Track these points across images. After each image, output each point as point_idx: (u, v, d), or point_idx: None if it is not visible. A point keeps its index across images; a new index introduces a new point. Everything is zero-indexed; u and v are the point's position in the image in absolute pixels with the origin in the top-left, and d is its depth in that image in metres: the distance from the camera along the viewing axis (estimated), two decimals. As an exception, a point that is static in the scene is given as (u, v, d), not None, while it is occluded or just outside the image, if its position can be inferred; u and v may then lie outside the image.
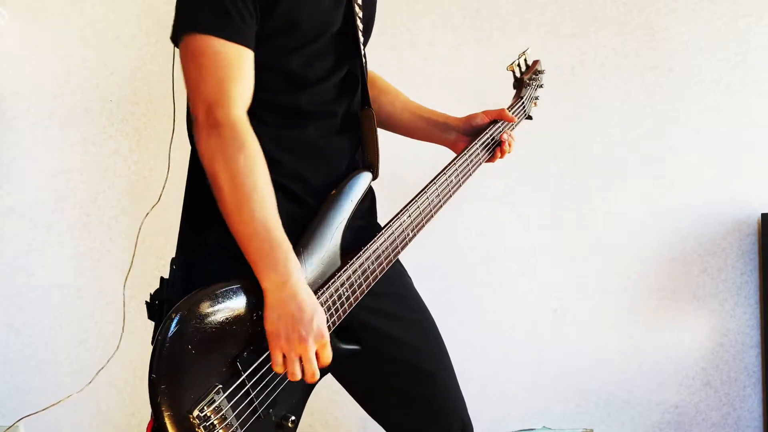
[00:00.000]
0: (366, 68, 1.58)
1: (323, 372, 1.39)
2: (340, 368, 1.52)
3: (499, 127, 1.78)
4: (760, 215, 2.66)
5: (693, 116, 2.72)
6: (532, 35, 2.75)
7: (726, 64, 2.71)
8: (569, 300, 2.75)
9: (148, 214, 1.77)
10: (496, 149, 1.77)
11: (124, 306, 2.11)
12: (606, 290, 2.74)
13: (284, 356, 1.33)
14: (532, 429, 2.56)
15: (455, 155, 1.71)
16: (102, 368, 2.09)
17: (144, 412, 2.71)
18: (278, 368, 1.34)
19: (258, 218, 1.32)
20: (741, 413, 2.72)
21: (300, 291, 1.33)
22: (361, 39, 1.55)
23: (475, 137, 1.74)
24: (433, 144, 1.84)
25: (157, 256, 2.63)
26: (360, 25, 1.54)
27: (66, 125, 2.75)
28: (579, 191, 2.75)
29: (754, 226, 2.70)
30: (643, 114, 2.74)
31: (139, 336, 2.54)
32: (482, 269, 2.75)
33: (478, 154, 1.73)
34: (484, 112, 1.78)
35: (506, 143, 1.78)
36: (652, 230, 2.73)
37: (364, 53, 1.57)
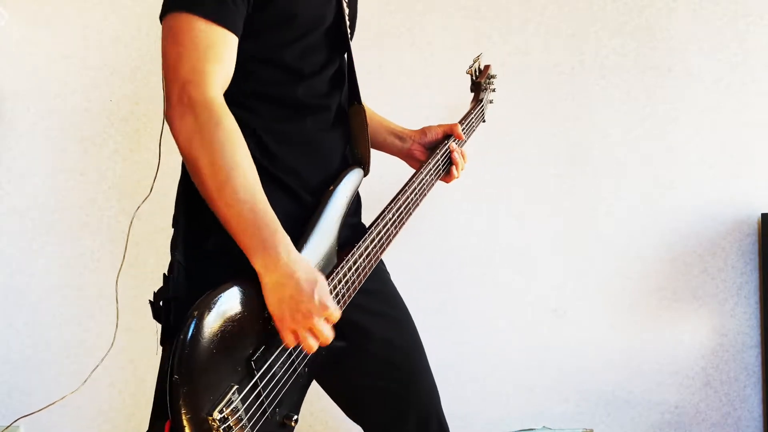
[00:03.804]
0: (353, 64, 1.58)
1: (319, 365, 1.38)
2: (329, 366, 1.51)
3: (455, 141, 1.82)
4: (760, 215, 2.66)
5: (693, 116, 2.72)
6: (532, 35, 2.75)
7: (726, 64, 2.71)
8: (569, 300, 2.75)
9: (139, 207, 1.77)
10: (450, 167, 1.81)
11: (117, 302, 2.11)
12: (606, 290, 2.74)
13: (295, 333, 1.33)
14: (532, 429, 2.56)
15: (429, 155, 1.76)
16: (96, 367, 2.09)
17: (144, 412, 2.71)
18: (291, 345, 1.33)
19: (241, 199, 1.28)
20: (741, 413, 2.72)
21: (295, 269, 1.30)
22: (348, 34, 1.56)
23: (430, 149, 1.80)
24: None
25: (153, 251, 2.63)
26: (347, 21, 1.54)
27: (66, 125, 2.75)
28: (579, 191, 2.75)
29: (754, 226, 2.70)
30: (643, 114, 2.74)
31: (139, 336, 2.55)
32: (482, 269, 2.75)
33: (439, 163, 1.76)
34: (438, 126, 1.82)
35: (457, 164, 1.80)
36: (652, 230, 2.73)
37: (351, 49, 1.58)
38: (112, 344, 2.02)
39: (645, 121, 2.74)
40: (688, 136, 2.73)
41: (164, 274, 1.37)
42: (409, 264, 2.65)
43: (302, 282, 1.31)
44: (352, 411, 1.65)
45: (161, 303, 1.34)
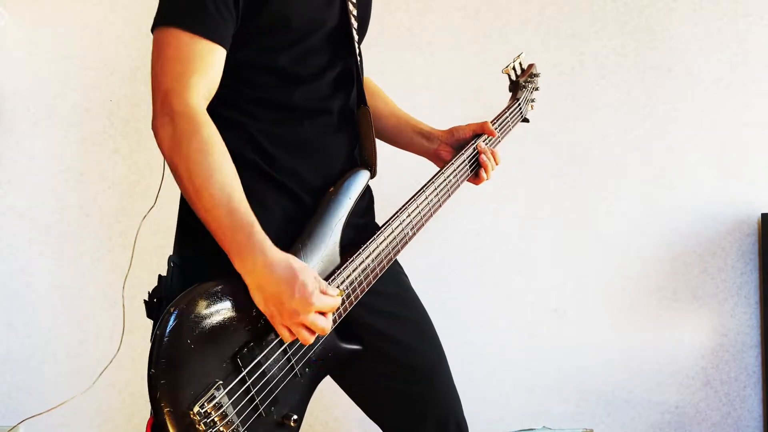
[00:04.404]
0: (362, 66, 1.58)
1: (324, 366, 1.38)
2: (340, 368, 1.51)
3: (485, 140, 1.77)
4: (760, 215, 2.66)
5: (693, 116, 2.72)
6: (532, 35, 2.75)
7: (726, 64, 2.72)
8: (569, 300, 2.75)
9: (145, 217, 1.76)
10: (479, 169, 1.76)
11: (123, 308, 2.10)
12: (606, 290, 2.74)
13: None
14: (532, 429, 2.56)
15: (455, 153, 1.71)
16: (104, 369, 2.09)
17: (145, 413, 2.71)
18: (288, 340, 1.33)
19: (218, 203, 1.29)
20: (741, 413, 2.72)
21: (272, 270, 1.30)
22: (356, 37, 1.54)
23: (457, 150, 1.74)
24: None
25: (157, 256, 2.63)
26: (354, 23, 1.53)
27: (66, 125, 2.75)
28: (579, 191, 2.75)
29: (754, 226, 2.70)
30: (643, 114, 2.74)
31: (140, 336, 2.54)
32: (482, 269, 2.75)
33: (465, 163, 1.72)
34: (467, 125, 1.77)
35: (485, 167, 1.75)
36: (652, 230, 2.73)
37: (360, 51, 1.57)
38: (118, 348, 2.02)
39: (645, 121, 2.74)
40: (688, 136, 2.73)
41: (159, 274, 1.38)
42: (409, 264, 2.65)
43: (281, 283, 1.30)
44: (370, 412, 1.65)
45: (154, 301, 1.34)
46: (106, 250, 2.73)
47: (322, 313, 1.34)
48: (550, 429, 2.54)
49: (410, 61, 2.75)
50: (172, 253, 1.45)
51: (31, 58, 2.75)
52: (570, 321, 2.74)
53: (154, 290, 1.36)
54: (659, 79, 2.73)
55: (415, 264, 2.70)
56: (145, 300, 1.36)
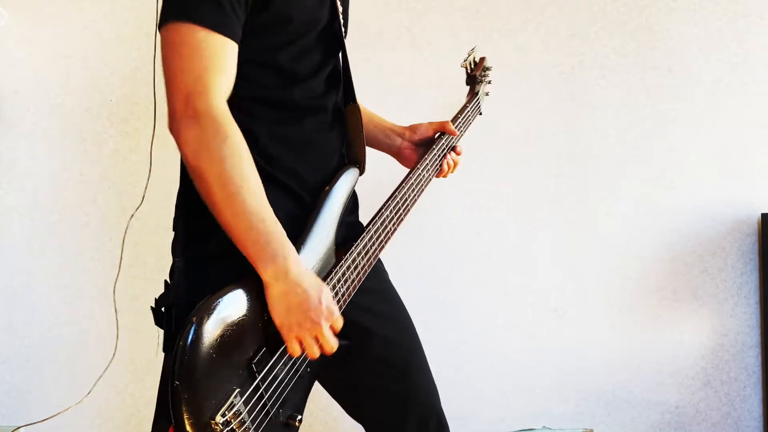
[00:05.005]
0: (348, 64, 1.58)
1: (322, 364, 1.39)
2: (325, 366, 1.51)
3: (449, 138, 1.81)
4: (760, 215, 2.66)
5: (693, 116, 2.72)
6: (532, 35, 2.75)
7: (726, 64, 2.72)
8: (569, 300, 2.75)
9: (132, 215, 1.76)
10: (442, 164, 1.80)
11: (116, 312, 2.09)
12: (606, 290, 2.74)
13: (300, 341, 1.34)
14: (532, 429, 2.56)
15: (424, 152, 1.75)
16: (100, 377, 2.09)
17: (144, 413, 2.71)
18: (296, 354, 1.34)
19: (250, 210, 1.29)
20: (741, 413, 2.72)
21: (302, 277, 1.32)
22: (343, 35, 1.56)
23: (421, 147, 1.79)
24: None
25: (148, 254, 2.63)
26: (342, 21, 1.54)
27: (66, 125, 2.75)
28: (579, 191, 2.75)
29: (754, 226, 2.70)
30: (643, 114, 2.74)
31: (139, 338, 2.55)
32: (482, 269, 2.75)
33: (436, 160, 1.77)
34: (429, 123, 1.81)
35: (448, 166, 1.80)
36: (652, 230, 2.73)
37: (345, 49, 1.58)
38: (114, 354, 2.01)
39: (645, 121, 2.74)
40: (688, 136, 2.73)
41: (165, 280, 1.37)
42: (409, 264, 2.65)
43: (309, 290, 1.32)
44: (352, 410, 1.66)
45: (163, 309, 1.34)
46: (106, 250, 2.73)
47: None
48: (550, 429, 2.54)
49: (410, 61, 2.75)
50: (176, 258, 1.44)
51: (31, 58, 2.75)
52: (570, 321, 2.74)
53: (161, 297, 1.35)
54: (659, 79, 2.73)
55: (415, 265, 2.71)
56: (152, 307, 1.35)
